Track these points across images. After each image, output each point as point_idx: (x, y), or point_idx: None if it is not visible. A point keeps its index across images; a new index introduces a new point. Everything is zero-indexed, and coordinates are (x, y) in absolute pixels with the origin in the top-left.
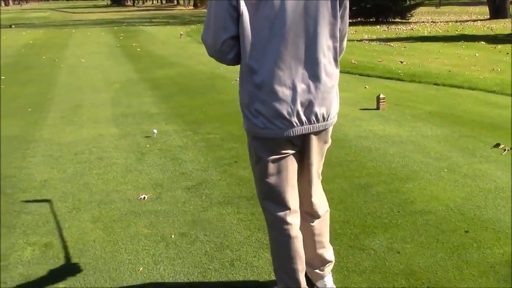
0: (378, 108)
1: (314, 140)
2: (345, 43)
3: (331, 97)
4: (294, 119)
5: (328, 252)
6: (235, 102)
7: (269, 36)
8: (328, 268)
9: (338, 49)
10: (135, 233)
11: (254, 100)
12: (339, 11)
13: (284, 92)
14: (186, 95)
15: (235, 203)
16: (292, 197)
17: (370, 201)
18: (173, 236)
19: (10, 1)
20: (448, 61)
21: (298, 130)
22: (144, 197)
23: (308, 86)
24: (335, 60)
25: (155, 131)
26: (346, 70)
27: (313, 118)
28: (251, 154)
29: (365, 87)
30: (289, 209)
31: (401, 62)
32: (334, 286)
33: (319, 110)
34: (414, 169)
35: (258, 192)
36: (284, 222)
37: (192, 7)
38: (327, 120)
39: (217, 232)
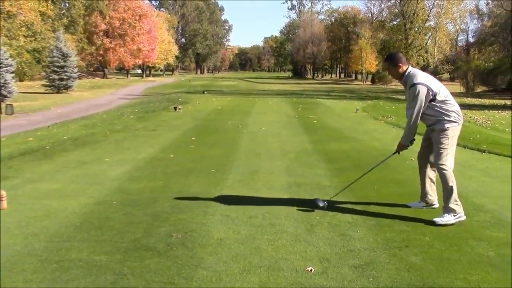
0: None
1: None
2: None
3: None
4: None
5: None
6: (409, 182)
7: None
8: None
9: None
10: None
11: None
12: None
13: None
14: (359, 171)
15: None
16: None
17: None
18: None
19: (205, 70)
20: None
21: None
22: (311, 270)
23: None
24: None
25: (324, 203)
26: None
27: None
28: None
29: None
30: None
31: None
32: None
33: None
34: None
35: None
36: None
37: (369, 83)
38: None
39: None
